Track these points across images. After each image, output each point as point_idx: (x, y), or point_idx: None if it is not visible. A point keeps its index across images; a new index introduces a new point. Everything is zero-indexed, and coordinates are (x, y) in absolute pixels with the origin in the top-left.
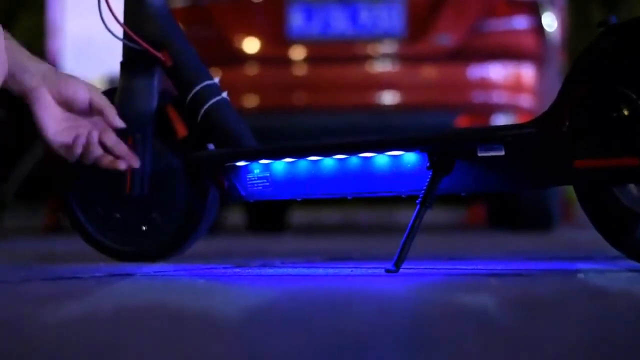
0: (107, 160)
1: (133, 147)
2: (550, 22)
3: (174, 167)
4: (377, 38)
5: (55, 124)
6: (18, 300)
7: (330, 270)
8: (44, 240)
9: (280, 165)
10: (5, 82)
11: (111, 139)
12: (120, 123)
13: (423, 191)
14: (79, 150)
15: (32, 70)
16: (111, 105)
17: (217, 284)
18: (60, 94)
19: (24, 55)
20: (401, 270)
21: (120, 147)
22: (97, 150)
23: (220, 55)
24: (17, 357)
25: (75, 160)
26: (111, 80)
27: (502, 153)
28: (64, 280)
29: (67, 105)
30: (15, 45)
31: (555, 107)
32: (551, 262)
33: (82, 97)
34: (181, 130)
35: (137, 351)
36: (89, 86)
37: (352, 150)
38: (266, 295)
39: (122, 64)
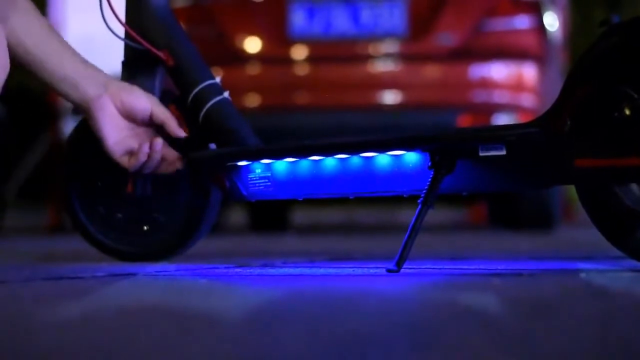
0: (165, 165)
1: None
2: (552, 21)
3: None
4: (379, 37)
5: (115, 133)
6: (19, 300)
7: (332, 270)
8: (46, 239)
9: (282, 165)
10: (64, 89)
11: (165, 145)
12: (182, 133)
13: (424, 191)
14: (143, 158)
15: (95, 80)
16: (172, 116)
17: (219, 284)
18: (123, 104)
19: (84, 64)
20: (402, 270)
21: (172, 152)
22: (158, 158)
23: (221, 54)
24: (18, 357)
25: (136, 168)
26: None
27: (504, 153)
28: (66, 280)
29: (129, 115)
30: (75, 53)
31: (557, 107)
32: (553, 261)
33: (143, 107)
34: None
35: (139, 351)
36: (149, 96)
37: (354, 149)
38: (268, 295)
39: (124, 63)
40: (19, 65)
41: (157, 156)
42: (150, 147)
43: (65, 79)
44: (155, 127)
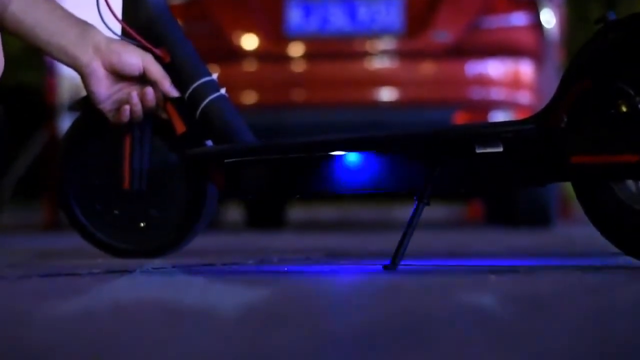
0: (149, 112)
1: (131, 143)
2: (548, 18)
3: (172, 164)
4: (376, 34)
5: (105, 92)
6: (16, 296)
7: (328, 267)
8: (42, 236)
9: (279, 162)
10: (57, 56)
11: (144, 98)
12: (175, 92)
13: (421, 188)
14: (125, 118)
15: (85, 44)
16: (165, 74)
17: (215, 281)
18: (113, 65)
19: (74, 28)
20: (399, 266)
21: (152, 103)
22: (140, 115)
23: (218, 51)
24: (15, 353)
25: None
26: None
27: (500, 149)
28: (62, 277)
29: (119, 73)
30: (65, 17)
31: (554, 104)
32: (549, 258)
33: (134, 65)
34: (179, 127)
35: (135, 348)
36: (142, 54)
37: (350, 146)
38: (264, 291)
39: None
40: (9, 33)
41: (137, 115)
42: (131, 108)
43: (56, 45)
44: (149, 80)
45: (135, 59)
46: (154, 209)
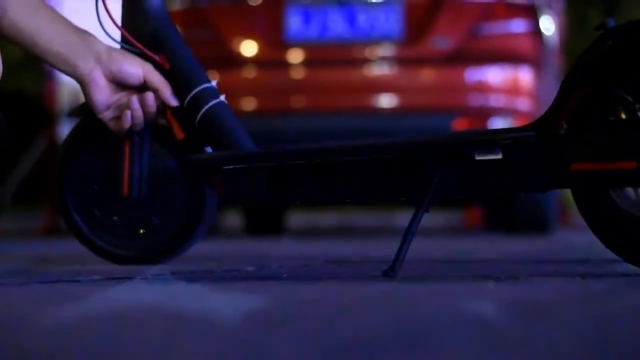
0: (150, 119)
1: (130, 150)
2: (547, 25)
3: (171, 170)
4: (375, 41)
5: (105, 101)
6: (16, 303)
7: (328, 273)
8: (42, 242)
9: (278, 169)
10: (56, 64)
11: (144, 104)
12: (175, 102)
13: (420, 195)
14: (127, 125)
15: (85, 53)
16: (166, 83)
17: (214, 287)
18: (113, 74)
19: (75, 36)
20: (399, 273)
21: (152, 110)
22: (140, 122)
23: (218, 58)
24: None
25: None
26: None
27: (500, 156)
28: (62, 283)
29: (120, 82)
30: (65, 25)
31: (553, 111)
32: (549, 265)
33: (134, 74)
34: (179, 134)
35: (136, 354)
36: (142, 63)
37: (349, 153)
38: (263, 298)
39: None
40: (8, 40)
41: (139, 121)
42: (132, 115)
43: (56, 54)
44: (149, 89)
45: (136, 68)
46: (153, 215)
